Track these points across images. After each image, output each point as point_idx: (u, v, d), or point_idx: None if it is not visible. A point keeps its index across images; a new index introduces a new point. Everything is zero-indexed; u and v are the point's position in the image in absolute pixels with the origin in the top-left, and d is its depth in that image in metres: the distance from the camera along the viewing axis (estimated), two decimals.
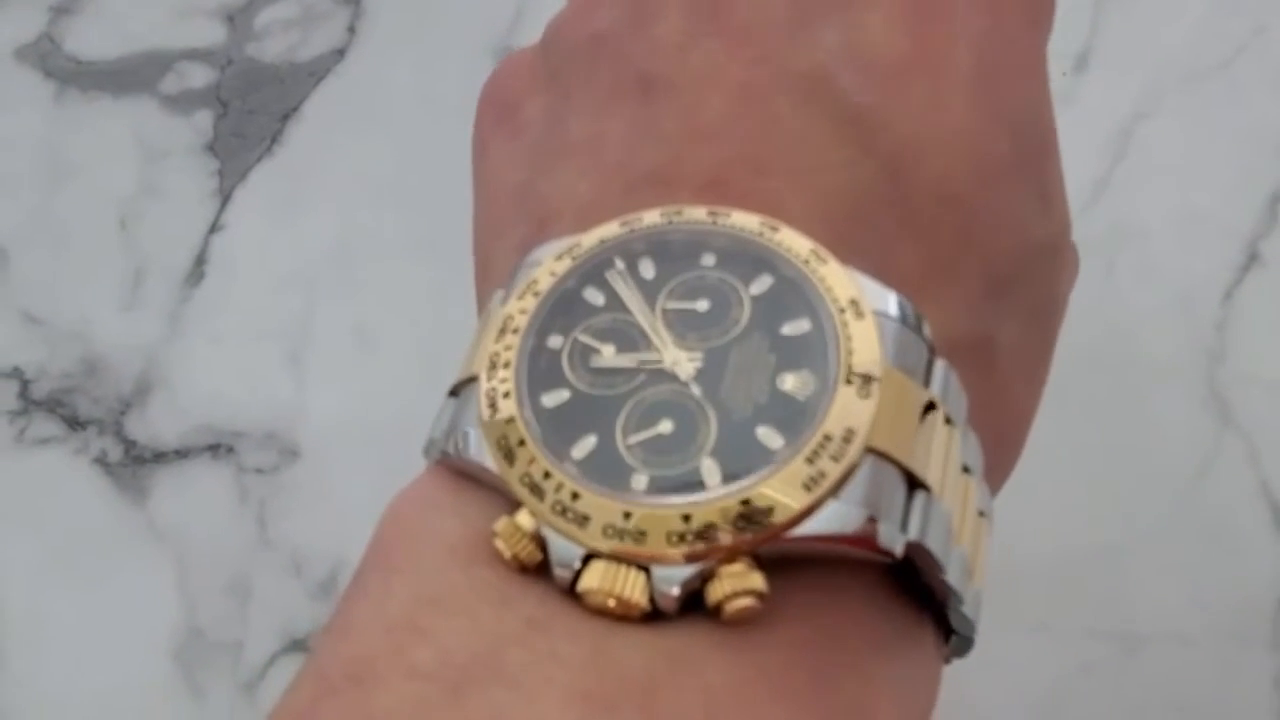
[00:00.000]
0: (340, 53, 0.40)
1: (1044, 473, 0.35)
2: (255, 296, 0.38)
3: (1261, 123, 0.34)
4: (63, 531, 0.36)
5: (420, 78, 0.40)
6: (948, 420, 0.13)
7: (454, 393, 0.14)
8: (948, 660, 0.14)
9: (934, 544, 0.12)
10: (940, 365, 0.13)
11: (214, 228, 0.38)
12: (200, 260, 0.38)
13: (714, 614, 0.12)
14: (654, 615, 0.12)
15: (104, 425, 0.37)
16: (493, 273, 0.16)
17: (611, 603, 0.12)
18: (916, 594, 0.13)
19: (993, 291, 0.14)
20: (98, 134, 0.40)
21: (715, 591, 0.11)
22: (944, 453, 0.13)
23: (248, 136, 0.39)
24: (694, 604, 0.12)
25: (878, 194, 0.14)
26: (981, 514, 0.14)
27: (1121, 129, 0.35)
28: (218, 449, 0.36)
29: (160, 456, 0.37)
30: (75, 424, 0.37)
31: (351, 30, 0.40)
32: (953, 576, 0.13)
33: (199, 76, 0.40)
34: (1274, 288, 0.33)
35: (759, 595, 0.11)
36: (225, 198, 0.39)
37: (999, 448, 0.15)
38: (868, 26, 0.15)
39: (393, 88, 0.40)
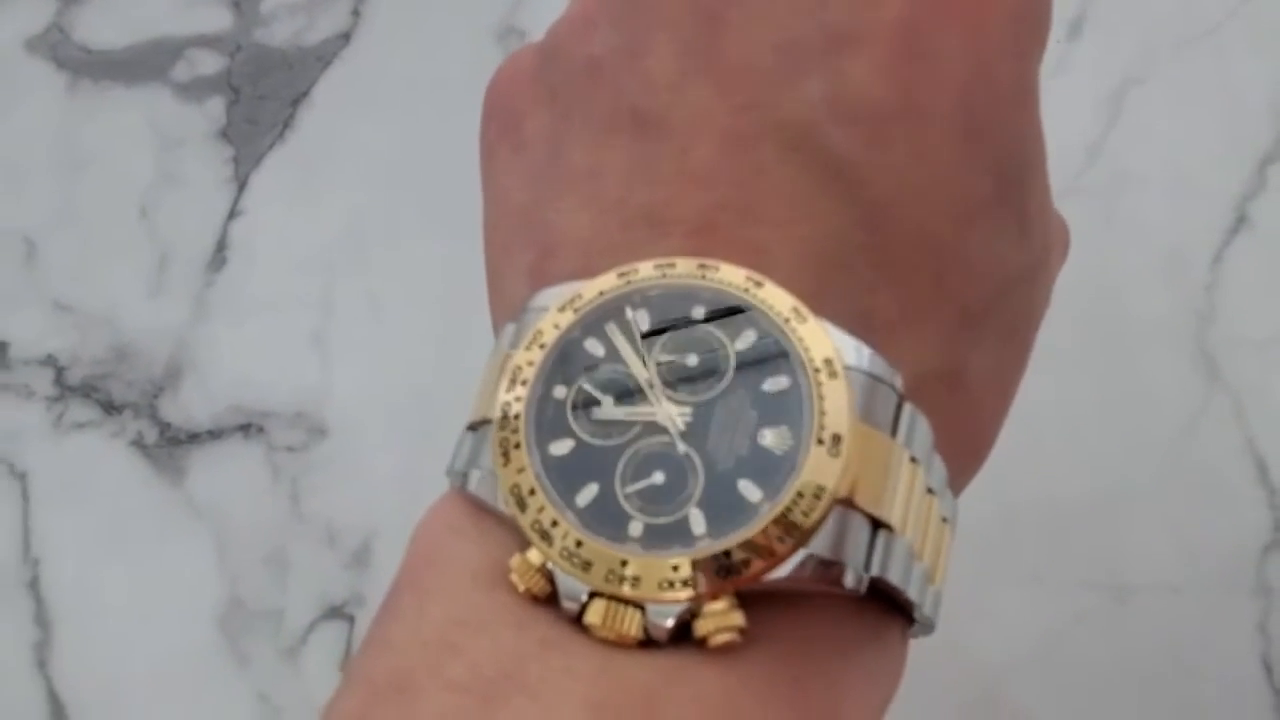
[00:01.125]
0: (345, 36, 0.40)
1: (1037, 430, 0.36)
2: (276, 280, 0.39)
3: (1251, 87, 0.35)
4: (105, 511, 0.38)
5: (425, 59, 0.40)
6: (913, 459, 0.14)
7: (472, 427, 0.15)
8: (914, 636, 0.16)
9: (895, 576, 0.14)
10: (907, 411, 0.14)
11: (232, 213, 0.39)
12: (221, 246, 0.39)
13: (700, 644, 0.13)
14: (649, 643, 0.14)
15: (138, 409, 0.39)
16: (503, 293, 0.17)
17: (611, 635, 0.13)
18: (882, 598, 0.15)
19: (967, 324, 0.15)
20: (112, 123, 0.40)
21: (700, 628, 0.13)
22: (908, 490, 0.14)
23: (260, 122, 0.40)
24: (684, 630, 0.14)
25: (857, 242, 0.15)
26: (944, 519, 0.15)
27: (1113, 94, 0.36)
28: (249, 429, 0.38)
29: (194, 437, 0.38)
30: (110, 408, 0.39)
31: (356, 14, 0.40)
32: (913, 592, 0.14)
33: (209, 63, 0.41)
34: (1262, 250, 0.34)
35: (739, 630, 0.13)
36: (241, 184, 0.39)
37: (966, 457, 0.16)
38: (852, 76, 0.15)
39: (398, 70, 0.40)
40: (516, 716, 0.13)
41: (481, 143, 0.18)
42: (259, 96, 0.40)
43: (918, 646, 0.16)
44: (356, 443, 0.38)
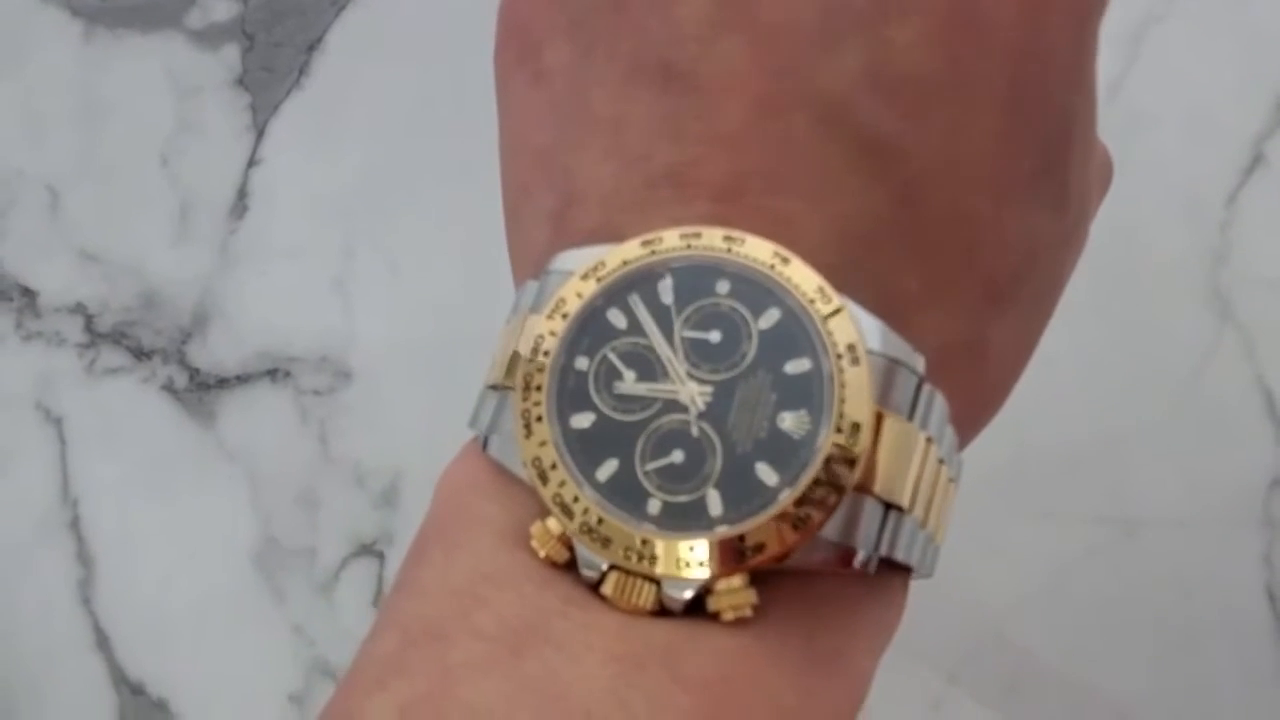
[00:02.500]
0: None
1: (1050, 367, 0.37)
2: (297, 227, 0.40)
3: (1270, 27, 0.35)
4: (140, 454, 0.39)
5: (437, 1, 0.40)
6: (928, 440, 0.14)
7: (492, 386, 0.15)
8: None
9: (902, 552, 0.14)
10: (926, 391, 0.14)
11: (252, 161, 0.40)
12: (242, 194, 0.40)
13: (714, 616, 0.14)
14: (663, 612, 0.14)
15: (167, 355, 0.39)
16: (523, 236, 0.17)
17: (626, 607, 0.14)
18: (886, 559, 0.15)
19: (994, 297, 0.15)
20: (129, 72, 0.41)
21: (714, 603, 0.14)
22: (920, 466, 0.14)
23: (276, 70, 0.40)
24: (697, 599, 0.14)
25: (887, 220, 0.14)
26: (951, 479, 0.15)
27: (1133, 32, 0.36)
28: (275, 374, 0.39)
29: (223, 382, 0.39)
30: (140, 354, 0.40)
31: None
32: (916, 559, 0.15)
33: (222, 9, 0.40)
34: (1278, 189, 0.34)
35: (751, 606, 0.14)
36: (260, 132, 0.40)
37: (979, 416, 0.16)
38: (897, 44, 0.14)
39: (413, 12, 0.40)
40: (543, 665, 0.13)
41: (497, 65, 0.18)
42: (274, 43, 0.40)
43: (927, 584, 0.17)
44: (381, 386, 0.38)
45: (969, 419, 0.16)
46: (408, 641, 0.14)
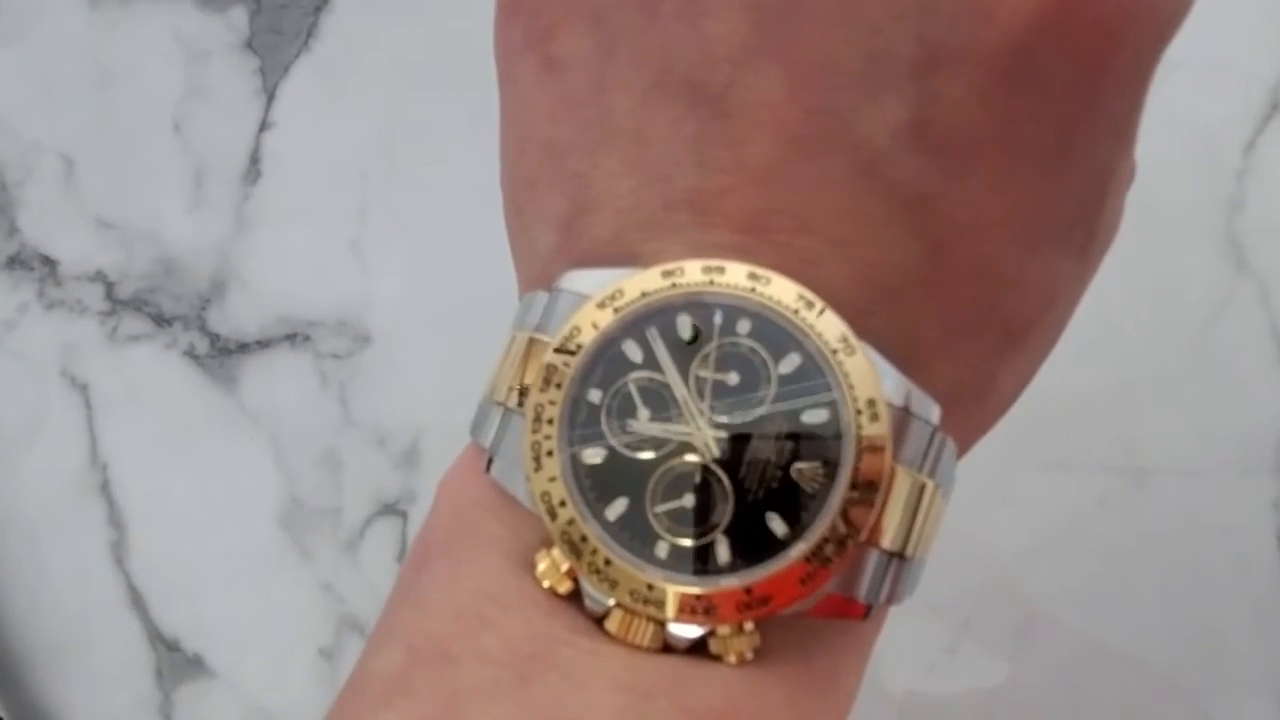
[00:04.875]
0: None
1: None
2: (311, 190, 0.40)
3: None
4: (165, 418, 0.40)
5: None
6: (935, 487, 0.14)
7: (498, 402, 0.15)
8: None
9: (900, 596, 0.14)
10: (938, 440, 0.14)
11: (263, 125, 0.40)
12: (255, 158, 0.40)
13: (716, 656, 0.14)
14: (667, 649, 0.14)
15: (188, 321, 0.40)
16: (528, 236, 0.16)
17: (630, 643, 0.14)
18: None
19: (1009, 341, 0.15)
20: (138, 37, 0.40)
21: (717, 647, 0.14)
22: (925, 514, 0.14)
23: (284, 31, 0.40)
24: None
25: (914, 275, 0.14)
26: (944, 495, 0.15)
27: None
28: (295, 338, 0.39)
29: (244, 347, 0.40)
30: (161, 321, 0.40)
31: None
32: (908, 589, 0.15)
33: None
34: None
35: (754, 650, 0.14)
36: (270, 95, 0.40)
37: (973, 440, 0.16)
38: (945, 100, 0.13)
39: None
40: (551, 693, 0.13)
41: (499, 37, 0.17)
42: (280, 5, 0.40)
43: (940, 534, 0.16)
44: (399, 348, 0.39)
45: (964, 445, 0.16)
46: (415, 660, 0.14)
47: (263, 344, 0.39)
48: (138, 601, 0.39)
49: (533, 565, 0.14)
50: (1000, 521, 0.34)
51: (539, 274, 0.16)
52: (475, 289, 0.35)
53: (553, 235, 0.15)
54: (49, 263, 0.41)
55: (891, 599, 0.14)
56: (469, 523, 0.15)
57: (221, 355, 0.40)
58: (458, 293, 0.38)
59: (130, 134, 0.40)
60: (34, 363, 0.40)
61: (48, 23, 0.41)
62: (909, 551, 0.14)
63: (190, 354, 0.40)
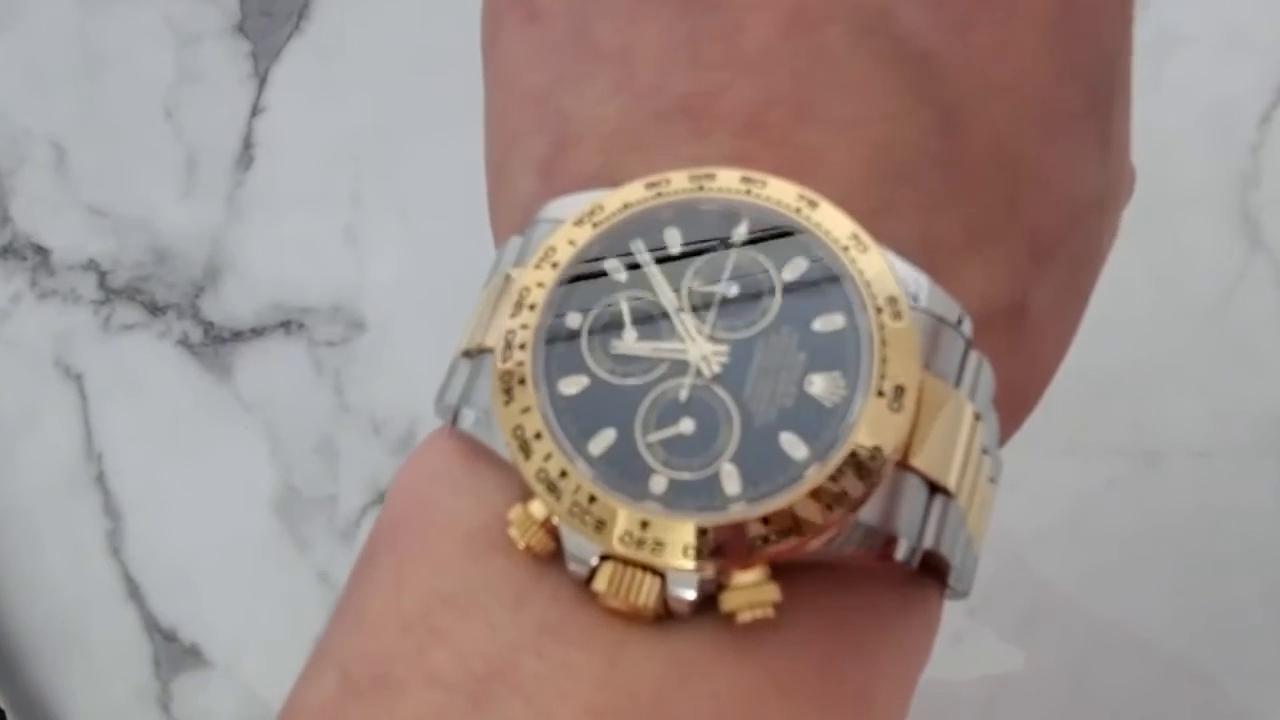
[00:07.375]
0: None
1: None
2: (304, 176, 0.39)
3: None
4: (160, 408, 0.39)
5: None
6: (975, 415, 0.12)
7: (466, 354, 0.13)
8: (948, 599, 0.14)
9: (947, 548, 0.12)
10: (973, 359, 0.12)
11: (255, 110, 0.39)
12: (247, 144, 0.39)
13: (726, 618, 0.12)
14: (666, 614, 0.12)
15: (181, 309, 0.40)
16: (507, 192, 0.15)
17: (622, 606, 0.12)
18: (922, 564, 0.13)
19: (1036, 254, 0.13)
20: (128, 22, 0.40)
21: (728, 602, 0.11)
22: (966, 448, 0.12)
23: (275, 15, 0.39)
24: (707, 600, 0.12)
25: (928, 152, 0.13)
26: (991, 480, 0.13)
27: None
28: (289, 325, 0.39)
29: (238, 335, 0.39)
30: (155, 309, 0.40)
31: None
32: (958, 562, 0.13)
33: None
34: None
35: (772, 605, 0.11)
36: (262, 79, 0.39)
37: (1018, 407, 0.14)
38: None
39: None
40: None
41: (485, 10, 0.16)
42: None
43: None
44: (394, 334, 0.38)
45: (1008, 405, 0.14)
46: (348, 689, 0.12)
47: (257, 331, 0.39)
48: (134, 591, 0.39)
49: (502, 539, 0.12)
50: (1008, 504, 0.33)
51: (517, 223, 0.14)
52: (471, 274, 0.34)
53: (531, 180, 0.14)
54: (41, 252, 0.40)
55: (939, 544, 0.12)
56: (423, 505, 0.13)
57: (215, 344, 0.39)
58: (453, 278, 0.37)
59: (121, 121, 0.40)
60: (27, 353, 0.40)
61: (37, 9, 0.41)
62: (954, 487, 0.12)
63: (184, 343, 0.39)
